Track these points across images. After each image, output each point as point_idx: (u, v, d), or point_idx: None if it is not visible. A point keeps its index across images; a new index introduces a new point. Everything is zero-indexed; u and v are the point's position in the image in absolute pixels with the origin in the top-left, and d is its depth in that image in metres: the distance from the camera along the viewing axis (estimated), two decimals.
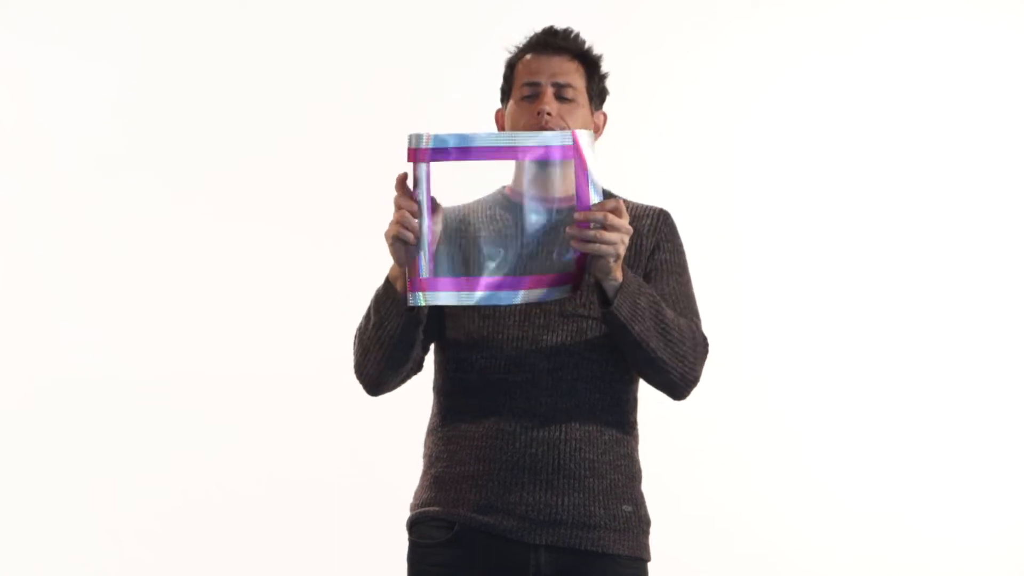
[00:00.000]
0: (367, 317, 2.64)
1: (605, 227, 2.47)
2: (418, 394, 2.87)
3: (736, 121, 4.76)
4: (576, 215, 2.48)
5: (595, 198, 2.49)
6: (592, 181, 2.50)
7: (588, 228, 2.47)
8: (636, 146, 4.62)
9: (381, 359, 2.62)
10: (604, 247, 2.47)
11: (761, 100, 4.77)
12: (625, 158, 4.35)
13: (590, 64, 2.74)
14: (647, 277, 2.69)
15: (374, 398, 2.75)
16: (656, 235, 2.72)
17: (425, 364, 2.73)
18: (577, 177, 2.49)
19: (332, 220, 4.62)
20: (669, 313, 2.60)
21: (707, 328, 2.71)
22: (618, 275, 2.53)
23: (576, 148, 2.50)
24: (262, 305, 4.61)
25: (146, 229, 4.61)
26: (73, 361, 4.56)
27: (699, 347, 2.64)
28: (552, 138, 2.50)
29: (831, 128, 4.77)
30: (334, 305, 4.53)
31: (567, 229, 2.49)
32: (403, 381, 2.70)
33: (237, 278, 4.61)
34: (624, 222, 2.48)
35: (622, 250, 2.49)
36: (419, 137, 2.47)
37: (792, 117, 4.77)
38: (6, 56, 4.63)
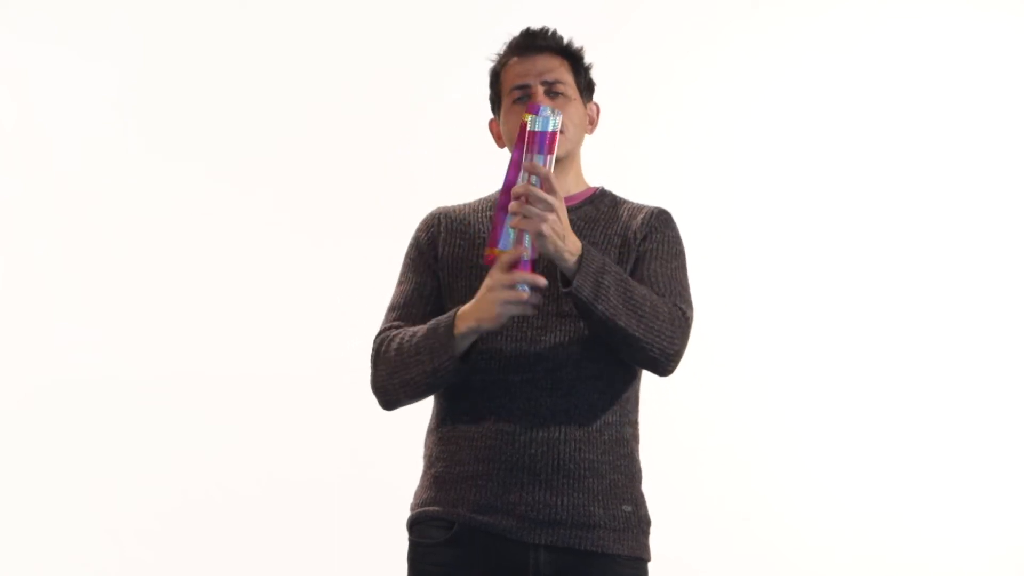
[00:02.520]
0: (415, 354, 2.60)
1: (528, 201, 2.46)
2: None
3: (736, 121, 4.76)
4: (514, 190, 2.49)
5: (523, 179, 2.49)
6: (525, 163, 2.49)
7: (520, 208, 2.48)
8: (636, 146, 4.62)
9: (418, 394, 2.64)
10: (530, 222, 2.46)
11: (761, 100, 4.77)
12: (625, 158, 4.35)
13: (574, 59, 2.76)
14: (635, 266, 2.68)
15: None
16: (647, 228, 2.72)
17: None
18: (513, 158, 2.50)
19: (332, 220, 4.62)
20: (639, 290, 2.57)
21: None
22: (568, 257, 2.50)
23: (521, 132, 2.51)
24: (262, 305, 4.61)
25: (146, 229, 4.61)
26: (73, 361, 4.55)
27: (676, 321, 2.60)
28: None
29: (831, 128, 4.76)
30: (334, 305, 4.54)
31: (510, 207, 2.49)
32: None
33: (237, 278, 4.61)
34: (547, 195, 2.46)
35: (548, 225, 2.47)
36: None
37: (792, 117, 4.76)
38: (6, 56, 4.63)
